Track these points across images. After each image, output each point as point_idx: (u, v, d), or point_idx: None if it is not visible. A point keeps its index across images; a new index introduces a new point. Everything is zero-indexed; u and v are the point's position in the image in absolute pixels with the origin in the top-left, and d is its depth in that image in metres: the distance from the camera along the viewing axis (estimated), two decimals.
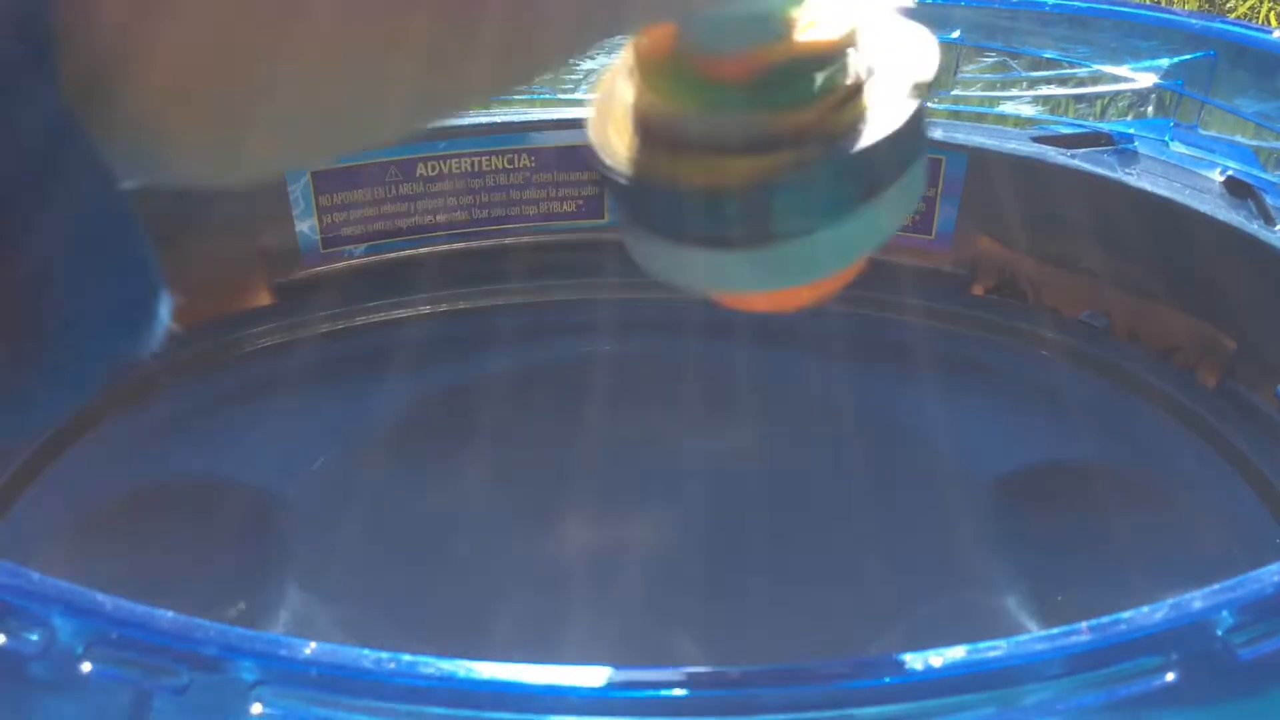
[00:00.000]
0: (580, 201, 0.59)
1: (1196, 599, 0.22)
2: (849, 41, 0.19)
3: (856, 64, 0.19)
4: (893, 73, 0.19)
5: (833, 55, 0.19)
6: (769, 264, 0.19)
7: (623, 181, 0.20)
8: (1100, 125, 0.59)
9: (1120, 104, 0.63)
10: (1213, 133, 0.57)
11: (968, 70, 0.62)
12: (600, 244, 0.58)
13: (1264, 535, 0.47)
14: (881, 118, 0.19)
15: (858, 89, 0.19)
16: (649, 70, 0.20)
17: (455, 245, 0.58)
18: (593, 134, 0.21)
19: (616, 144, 0.21)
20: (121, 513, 0.48)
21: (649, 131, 0.20)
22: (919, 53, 0.20)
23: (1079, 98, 0.63)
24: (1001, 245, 0.59)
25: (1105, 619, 0.22)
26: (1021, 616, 0.44)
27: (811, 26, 0.19)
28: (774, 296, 0.22)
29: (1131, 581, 0.44)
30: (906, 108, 0.19)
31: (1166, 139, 0.58)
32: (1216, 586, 0.22)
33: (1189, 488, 0.50)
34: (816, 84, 0.19)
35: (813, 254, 0.19)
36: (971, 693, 0.21)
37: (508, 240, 0.59)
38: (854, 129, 0.18)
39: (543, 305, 0.59)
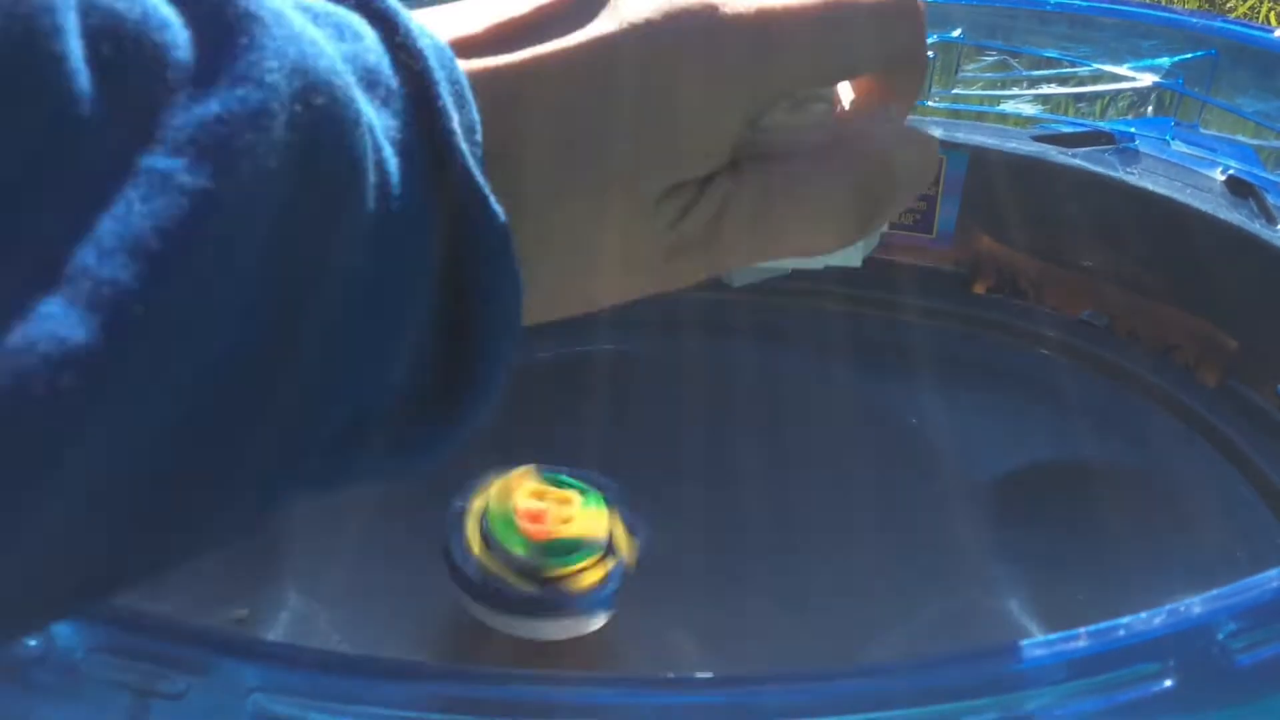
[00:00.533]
0: None
1: (1195, 605, 0.22)
2: (605, 531, 0.40)
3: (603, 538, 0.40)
4: (618, 550, 0.40)
5: (589, 541, 0.39)
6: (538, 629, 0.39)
7: (467, 573, 0.39)
8: (1101, 124, 0.59)
9: (1121, 103, 0.63)
10: (1213, 132, 0.57)
11: (968, 69, 0.62)
12: None
13: (1264, 535, 0.47)
14: (601, 579, 0.39)
15: (603, 558, 0.39)
16: (494, 517, 0.40)
17: None
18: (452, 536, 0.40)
19: (471, 542, 0.39)
20: None
21: (486, 540, 0.40)
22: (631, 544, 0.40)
23: (1080, 96, 0.63)
24: (1002, 244, 0.59)
25: (1103, 625, 0.22)
26: (1022, 617, 0.44)
27: (579, 523, 0.39)
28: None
29: (1132, 581, 0.44)
30: (619, 574, 0.40)
31: (1167, 138, 0.57)
32: (1214, 592, 0.22)
33: (1189, 487, 0.50)
34: (572, 558, 0.39)
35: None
36: (970, 698, 0.21)
37: None
38: (594, 581, 0.39)
39: None
